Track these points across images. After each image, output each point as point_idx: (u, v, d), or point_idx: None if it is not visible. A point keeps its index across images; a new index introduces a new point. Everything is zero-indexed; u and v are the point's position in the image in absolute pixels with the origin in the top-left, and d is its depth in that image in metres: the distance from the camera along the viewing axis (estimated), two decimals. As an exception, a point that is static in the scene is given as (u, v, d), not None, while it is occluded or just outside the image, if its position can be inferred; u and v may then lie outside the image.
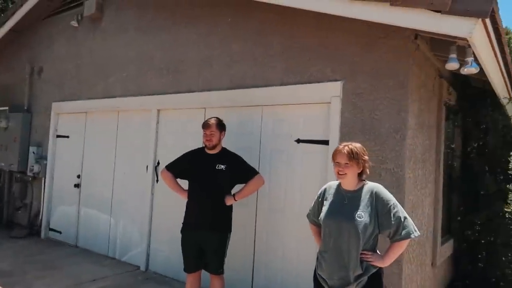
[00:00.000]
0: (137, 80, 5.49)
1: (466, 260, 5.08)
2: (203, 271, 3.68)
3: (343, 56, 3.69)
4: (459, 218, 5.09)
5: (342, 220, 2.49)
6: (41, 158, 6.82)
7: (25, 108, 7.25)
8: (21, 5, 6.89)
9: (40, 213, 6.75)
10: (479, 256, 4.91)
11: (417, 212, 3.72)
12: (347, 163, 2.50)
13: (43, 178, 6.75)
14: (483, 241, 4.86)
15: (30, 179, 6.97)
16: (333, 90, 3.70)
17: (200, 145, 4.10)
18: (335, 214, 2.54)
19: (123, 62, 5.70)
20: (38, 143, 6.99)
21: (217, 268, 3.57)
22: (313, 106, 3.88)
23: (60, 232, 6.45)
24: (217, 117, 3.74)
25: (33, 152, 6.82)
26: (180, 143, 4.76)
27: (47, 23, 7.11)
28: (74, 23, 6.40)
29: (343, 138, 3.55)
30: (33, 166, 6.71)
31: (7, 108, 7.63)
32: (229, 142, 3.95)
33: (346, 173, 2.51)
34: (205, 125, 3.65)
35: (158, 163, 5.11)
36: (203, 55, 4.75)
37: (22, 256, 5.54)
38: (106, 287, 4.50)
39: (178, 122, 4.99)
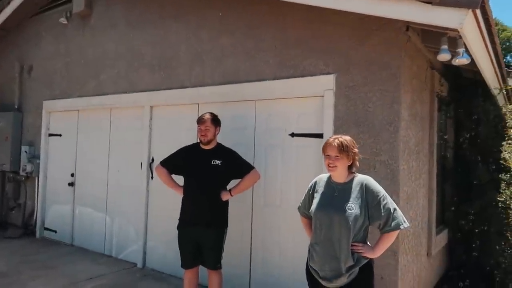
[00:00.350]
0: (128, 77, 5.45)
1: (461, 249, 5.14)
2: (201, 266, 3.68)
3: (335, 49, 3.69)
4: (453, 208, 5.13)
5: (333, 212, 2.52)
6: (34, 157, 6.77)
7: (16, 107, 7.17)
8: (8, 3, 6.80)
9: (35, 213, 6.71)
10: (473, 245, 4.96)
11: (411, 203, 3.75)
12: (337, 156, 2.52)
13: (37, 178, 6.70)
14: (477, 231, 4.91)
15: (23, 178, 6.91)
16: (326, 83, 3.70)
17: (195, 140, 4.10)
18: (326, 207, 2.57)
19: (114, 59, 5.65)
20: (30, 142, 6.93)
21: (214, 264, 3.57)
22: (306, 100, 3.88)
23: (55, 231, 6.42)
24: (212, 112, 3.73)
25: (25, 152, 6.76)
26: (174, 139, 4.73)
27: (35, 20, 7.02)
28: (63, 20, 6.33)
29: (337, 131, 3.56)
30: (25, 165, 6.66)
31: (-3, 107, 7.57)
32: (223, 138, 3.94)
33: (336, 166, 2.54)
34: (200, 120, 3.63)
35: (153, 159, 5.09)
36: (194, 50, 4.73)
37: (17, 256, 5.50)
38: (103, 285, 4.50)
39: (171, 118, 4.97)
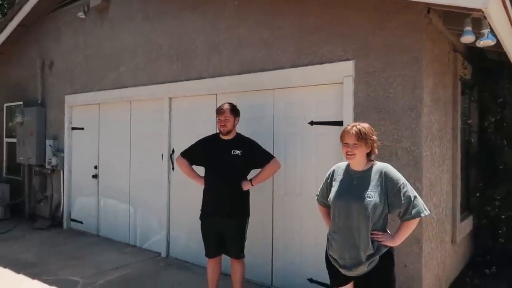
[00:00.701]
0: (147, 69, 5.49)
1: (486, 235, 5.05)
2: (224, 255, 3.72)
3: (354, 34, 3.62)
4: (478, 194, 5.03)
5: (352, 200, 2.49)
6: (58, 150, 6.94)
7: (39, 102, 7.33)
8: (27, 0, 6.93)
9: (61, 205, 6.90)
10: (500, 231, 4.87)
11: (435, 190, 3.68)
12: (355, 144, 2.49)
13: (62, 170, 6.87)
14: (503, 216, 4.81)
15: (49, 172, 7.10)
16: (345, 69, 3.64)
17: (214, 131, 4.11)
18: (345, 195, 2.55)
19: (132, 51, 5.70)
20: (54, 136, 7.10)
21: (238, 253, 3.60)
22: (325, 87, 3.84)
23: (81, 222, 6.59)
24: (231, 103, 3.72)
25: (50, 145, 6.93)
26: (193, 130, 4.77)
27: (54, 16, 7.12)
28: (81, 15, 6.40)
29: (357, 118, 3.51)
30: (51, 159, 6.83)
31: (21, 103, 7.75)
32: (241, 127, 3.93)
33: (354, 154, 2.50)
34: (219, 111, 3.63)
35: (173, 151, 5.14)
36: (211, 40, 4.72)
37: (46, 246, 5.69)
38: (128, 275, 4.61)
39: (190, 109, 5.00)
